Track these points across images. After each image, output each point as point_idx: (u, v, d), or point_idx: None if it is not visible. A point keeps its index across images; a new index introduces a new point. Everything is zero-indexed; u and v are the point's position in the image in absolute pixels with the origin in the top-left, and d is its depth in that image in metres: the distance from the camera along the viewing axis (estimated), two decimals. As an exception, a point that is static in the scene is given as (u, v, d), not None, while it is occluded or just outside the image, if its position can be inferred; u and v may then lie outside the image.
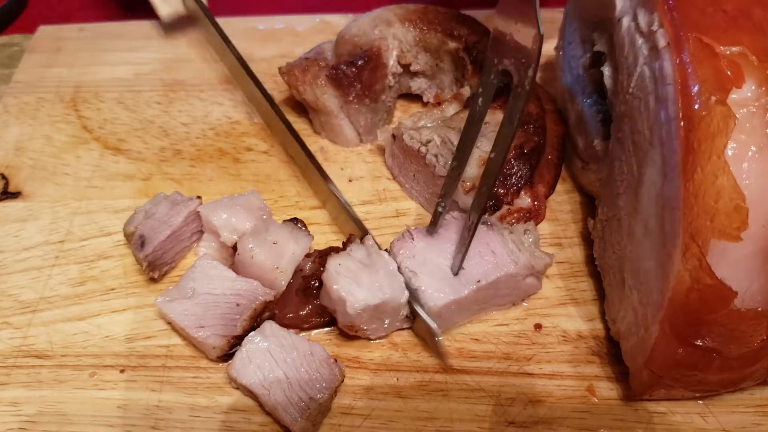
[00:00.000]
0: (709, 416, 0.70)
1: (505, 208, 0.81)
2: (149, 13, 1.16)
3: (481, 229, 0.77)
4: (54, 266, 0.84)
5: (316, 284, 0.76)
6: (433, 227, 0.78)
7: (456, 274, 0.74)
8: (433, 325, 0.72)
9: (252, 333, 0.73)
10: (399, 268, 0.75)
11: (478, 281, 0.73)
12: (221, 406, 0.71)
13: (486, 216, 0.79)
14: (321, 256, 0.79)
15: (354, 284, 0.70)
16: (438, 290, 0.73)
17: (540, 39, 0.65)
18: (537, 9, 0.65)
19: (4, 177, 0.95)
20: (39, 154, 0.98)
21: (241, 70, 0.97)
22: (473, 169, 0.81)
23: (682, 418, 0.70)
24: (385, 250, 0.77)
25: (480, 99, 0.75)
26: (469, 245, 0.74)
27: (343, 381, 0.72)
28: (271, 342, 0.72)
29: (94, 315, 0.79)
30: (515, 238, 0.76)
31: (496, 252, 0.75)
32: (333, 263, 0.73)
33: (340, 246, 0.81)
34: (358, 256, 0.74)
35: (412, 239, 0.77)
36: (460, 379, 0.73)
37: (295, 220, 0.82)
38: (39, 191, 0.93)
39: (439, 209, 0.78)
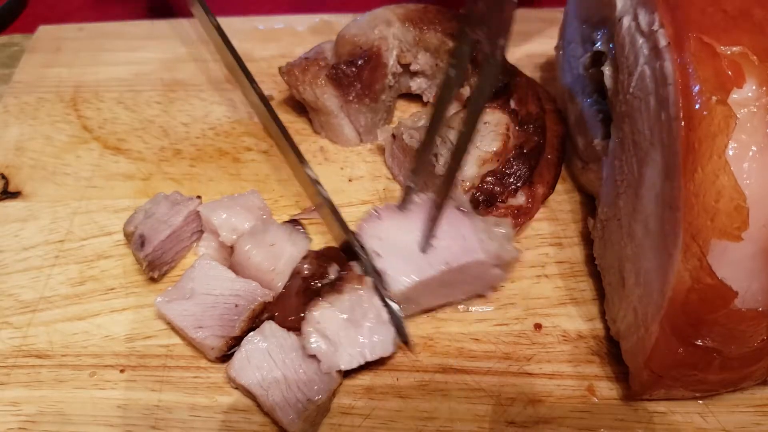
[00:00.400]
0: (709, 416, 0.70)
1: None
2: (148, 13, 1.16)
3: (454, 213, 0.76)
4: (54, 266, 0.84)
5: (318, 285, 0.76)
6: (403, 204, 0.77)
7: (424, 251, 0.73)
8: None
9: (252, 333, 0.73)
10: (364, 249, 0.74)
11: (447, 263, 0.72)
12: (221, 405, 0.71)
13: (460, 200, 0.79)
14: (318, 257, 0.78)
15: (331, 347, 0.69)
16: (402, 273, 0.72)
17: (513, 7, 0.64)
18: None
19: (4, 177, 0.95)
20: (39, 154, 0.98)
21: (239, 70, 0.97)
22: (472, 169, 0.81)
23: (682, 417, 0.70)
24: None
25: (453, 70, 0.73)
26: (436, 223, 0.73)
27: (341, 383, 0.72)
28: (271, 342, 0.72)
29: (94, 315, 0.79)
30: (486, 227, 0.76)
31: (466, 237, 0.74)
32: (312, 318, 0.70)
33: (338, 247, 0.81)
34: (344, 305, 0.71)
35: (380, 218, 0.76)
36: (460, 379, 0.73)
37: (294, 222, 0.82)
38: (39, 191, 0.93)
39: (410, 184, 0.77)
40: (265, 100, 0.93)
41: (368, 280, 0.73)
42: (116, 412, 0.71)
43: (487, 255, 0.74)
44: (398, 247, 0.74)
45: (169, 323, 0.77)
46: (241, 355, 0.71)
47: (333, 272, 0.77)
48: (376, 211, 0.77)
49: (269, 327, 0.73)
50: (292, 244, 0.78)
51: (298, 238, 0.80)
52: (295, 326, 0.75)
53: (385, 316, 0.72)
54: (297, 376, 0.69)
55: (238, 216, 0.81)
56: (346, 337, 0.69)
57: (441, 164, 0.82)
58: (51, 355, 0.75)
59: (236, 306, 0.74)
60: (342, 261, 0.79)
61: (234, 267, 0.78)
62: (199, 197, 0.85)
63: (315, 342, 0.69)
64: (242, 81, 0.98)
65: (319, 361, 0.69)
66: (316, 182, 0.84)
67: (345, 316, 0.70)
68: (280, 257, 0.77)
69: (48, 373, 0.74)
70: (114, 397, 0.72)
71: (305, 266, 0.78)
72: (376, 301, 0.72)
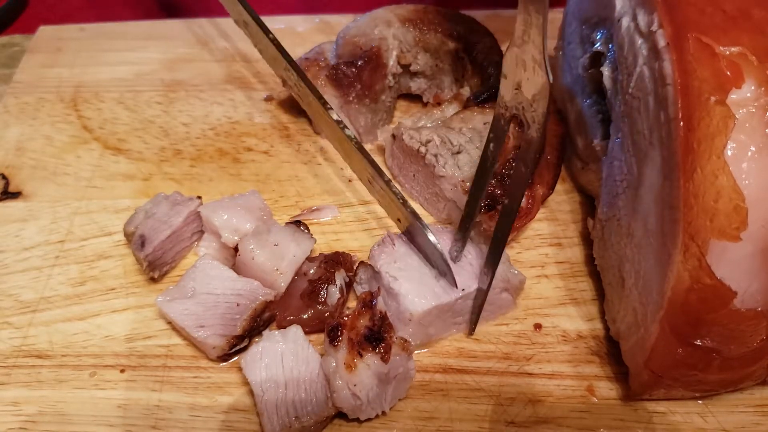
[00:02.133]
0: (709, 416, 0.70)
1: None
2: (148, 13, 1.16)
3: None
4: (54, 266, 0.84)
5: (325, 287, 0.76)
6: (456, 256, 0.76)
7: (455, 261, 0.75)
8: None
9: (277, 331, 0.73)
10: (380, 273, 0.74)
11: (463, 290, 0.73)
12: (221, 405, 0.72)
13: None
14: (327, 262, 0.79)
15: (363, 403, 0.67)
16: (420, 296, 0.72)
17: (548, 86, 0.64)
18: (545, 56, 0.63)
19: (4, 177, 0.95)
20: (39, 154, 0.98)
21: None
22: (472, 170, 0.81)
23: (681, 417, 0.70)
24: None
25: (491, 144, 0.74)
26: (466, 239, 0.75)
27: (334, 414, 0.69)
28: (289, 347, 0.71)
29: (94, 315, 0.79)
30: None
31: (473, 264, 0.76)
32: (348, 381, 0.66)
33: (348, 253, 0.81)
34: (376, 367, 0.67)
35: (393, 244, 0.77)
36: (460, 379, 0.74)
37: (297, 223, 0.82)
38: (39, 191, 0.93)
39: (457, 238, 0.77)
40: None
41: (409, 344, 0.70)
42: (116, 412, 0.71)
43: (496, 278, 0.74)
44: (413, 271, 0.74)
45: (170, 322, 0.77)
46: (256, 348, 0.71)
47: (340, 278, 0.77)
48: (389, 236, 0.77)
49: (294, 331, 0.72)
50: (296, 245, 0.79)
51: (302, 238, 0.80)
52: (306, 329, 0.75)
53: (413, 372, 0.71)
54: (297, 390, 0.68)
55: (239, 217, 0.81)
56: (374, 396, 0.68)
57: (441, 165, 0.82)
58: (51, 355, 0.76)
59: (238, 305, 0.74)
60: (349, 266, 0.79)
61: (238, 267, 0.79)
62: (199, 197, 0.85)
63: (345, 399, 0.67)
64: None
65: (327, 385, 0.68)
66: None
67: (377, 374, 0.67)
68: (283, 257, 0.77)
69: (48, 373, 0.74)
70: (114, 397, 0.72)
71: (311, 269, 0.78)
72: (411, 363, 0.71)
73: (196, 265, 0.78)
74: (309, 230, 0.82)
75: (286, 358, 0.70)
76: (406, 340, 0.70)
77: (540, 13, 0.61)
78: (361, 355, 0.67)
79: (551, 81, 0.64)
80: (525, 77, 0.66)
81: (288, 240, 0.79)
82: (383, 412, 0.70)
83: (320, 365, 0.70)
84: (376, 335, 0.68)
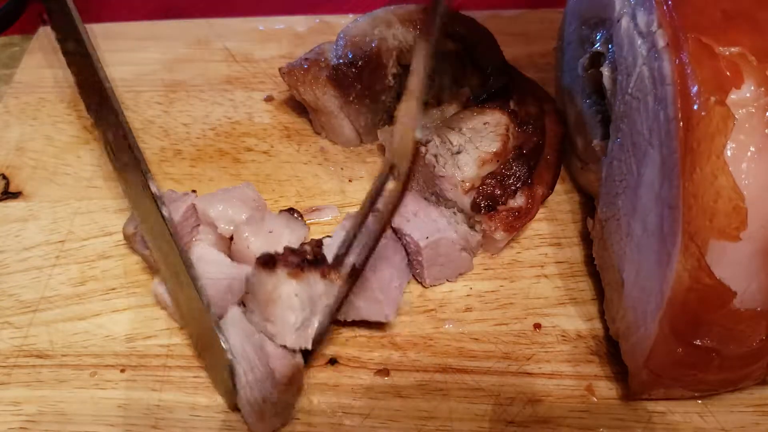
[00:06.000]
0: (708, 415, 0.71)
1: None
2: (148, 13, 1.16)
3: (421, 202, 0.84)
4: (55, 266, 0.84)
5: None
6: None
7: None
8: None
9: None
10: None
11: (427, 237, 0.77)
12: (221, 405, 0.72)
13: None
14: (318, 246, 0.78)
15: (281, 330, 0.68)
16: (386, 304, 0.75)
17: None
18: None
19: (5, 177, 0.95)
20: (40, 154, 0.98)
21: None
22: (472, 170, 0.81)
23: (681, 417, 0.70)
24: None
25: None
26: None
27: (301, 373, 0.69)
28: (236, 332, 0.70)
29: (94, 315, 0.79)
30: (450, 213, 0.83)
31: (437, 220, 0.81)
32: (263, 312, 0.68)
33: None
34: (292, 286, 0.68)
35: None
36: (459, 379, 0.74)
37: (291, 210, 0.83)
38: (40, 191, 0.93)
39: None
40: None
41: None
42: (117, 412, 0.71)
43: (458, 235, 0.80)
44: (370, 284, 0.75)
45: (169, 327, 0.77)
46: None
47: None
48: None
49: (232, 314, 0.71)
50: (290, 231, 0.79)
51: (296, 225, 0.81)
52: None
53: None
54: (252, 373, 0.67)
55: (235, 207, 0.81)
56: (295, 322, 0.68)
57: (441, 165, 0.82)
58: (52, 354, 0.76)
59: (230, 288, 0.74)
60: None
61: (233, 254, 0.79)
62: (194, 191, 0.85)
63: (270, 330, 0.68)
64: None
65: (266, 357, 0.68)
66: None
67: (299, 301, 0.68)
68: (278, 244, 0.77)
69: (49, 373, 0.74)
70: (115, 396, 0.72)
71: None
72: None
73: (192, 251, 0.77)
74: (303, 217, 0.84)
75: (240, 347, 0.69)
76: (331, 270, 0.69)
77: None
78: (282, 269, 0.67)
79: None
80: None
81: (282, 227, 0.79)
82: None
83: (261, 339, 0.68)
84: (306, 259, 0.69)
